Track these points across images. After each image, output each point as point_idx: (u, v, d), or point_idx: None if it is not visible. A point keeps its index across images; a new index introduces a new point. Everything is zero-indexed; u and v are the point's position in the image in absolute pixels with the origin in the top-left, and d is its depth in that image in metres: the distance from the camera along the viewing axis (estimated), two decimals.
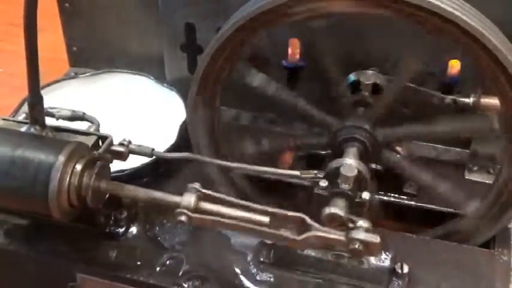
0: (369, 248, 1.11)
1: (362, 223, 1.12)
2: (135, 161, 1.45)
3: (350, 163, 1.23)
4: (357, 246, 1.11)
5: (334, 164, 1.20)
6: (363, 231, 1.11)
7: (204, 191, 1.17)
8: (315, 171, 1.19)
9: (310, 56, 1.59)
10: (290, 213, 1.15)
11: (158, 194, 1.21)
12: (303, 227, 1.14)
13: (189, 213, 1.15)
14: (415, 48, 1.29)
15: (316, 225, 1.13)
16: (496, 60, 1.17)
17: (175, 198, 1.18)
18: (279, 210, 1.15)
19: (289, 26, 1.40)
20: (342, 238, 1.12)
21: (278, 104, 1.45)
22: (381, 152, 1.37)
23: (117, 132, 1.35)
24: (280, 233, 1.15)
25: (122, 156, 1.30)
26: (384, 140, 1.37)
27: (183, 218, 1.15)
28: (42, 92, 1.70)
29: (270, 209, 1.15)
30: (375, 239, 1.11)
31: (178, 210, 1.15)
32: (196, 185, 1.17)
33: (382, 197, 1.52)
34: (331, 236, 1.13)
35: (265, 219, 1.15)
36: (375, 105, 1.38)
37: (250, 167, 1.26)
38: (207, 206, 1.16)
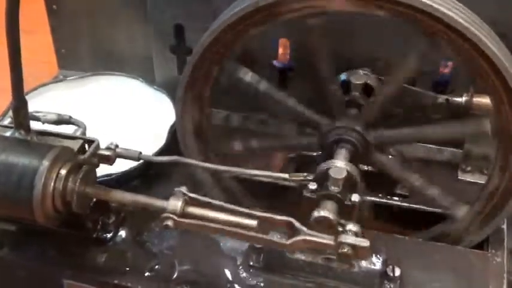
0: (358, 252, 1.10)
1: (351, 227, 1.11)
2: (124, 164, 1.43)
3: (339, 165, 1.21)
4: (346, 251, 1.09)
5: (323, 166, 1.18)
6: (352, 235, 1.10)
7: (190, 195, 1.16)
8: (305, 174, 1.17)
9: (301, 56, 1.57)
10: (278, 217, 1.13)
11: (144, 199, 1.20)
12: (291, 231, 1.12)
13: (175, 218, 1.13)
14: (411, 50, 1.26)
15: (304, 229, 1.12)
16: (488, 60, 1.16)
17: (162, 203, 1.16)
18: (267, 214, 1.14)
19: (279, 26, 1.38)
20: (331, 242, 1.11)
21: (269, 104, 1.43)
22: (372, 154, 1.35)
23: (106, 135, 1.34)
24: (269, 237, 1.14)
25: (109, 160, 1.28)
26: (375, 142, 1.35)
27: (169, 223, 1.14)
28: (31, 95, 1.72)
29: (258, 213, 1.14)
30: (365, 243, 1.09)
31: (165, 215, 1.14)
32: (183, 189, 1.16)
33: (373, 198, 1.50)
34: (320, 240, 1.12)
35: (253, 222, 1.13)
36: (367, 107, 1.36)
37: (239, 169, 1.24)
38: (193, 210, 1.15)
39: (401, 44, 1.36)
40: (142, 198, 1.20)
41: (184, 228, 1.15)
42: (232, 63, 1.37)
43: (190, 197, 1.15)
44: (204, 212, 1.15)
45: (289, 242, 1.12)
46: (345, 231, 1.11)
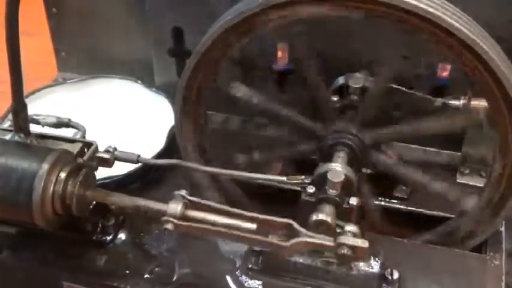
0: (357, 253, 1.11)
1: (350, 228, 1.12)
2: (124, 167, 1.44)
3: (337, 169, 1.21)
4: (345, 252, 1.10)
5: (321, 169, 1.18)
6: (351, 236, 1.11)
7: (190, 198, 1.16)
8: (302, 177, 1.17)
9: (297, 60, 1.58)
10: (277, 219, 1.14)
11: (144, 202, 1.20)
12: (291, 233, 1.13)
13: (175, 221, 1.14)
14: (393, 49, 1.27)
15: (304, 230, 1.13)
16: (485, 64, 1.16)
17: (162, 206, 1.17)
18: (266, 216, 1.14)
19: (278, 29, 1.38)
20: (331, 244, 1.12)
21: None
22: (370, 155, 1.36)
23: (106, 137, 1.34)
24: (268, 239, 1.14)
25: (108, 163, 1.29)
26: (371, 142, 1.35)
27: (169, 226, 1.14)
28: (30, 98, 1.72)
29: (257, 215, 1.14)
30: (364, 243, 1.10)
31: (165, 218, 1.14)
32: (183, 192, 1.16)
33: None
34: (320, 242, 1.12)
35: (253, 226, 1.14)
36: (359, 108, 1.37)
37: (237, 172, 1.24)
38: (193, 213, 1.16)
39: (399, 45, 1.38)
40: (142, 202, 1.20)
41: (184, 231, 1.16)
42: (224, 78, 1.37)
43: (190, 200, 1.16)
44: (204, 215, 1.15)
45: (289, 243, 1.12)
46: (343, 232, 1.11)
